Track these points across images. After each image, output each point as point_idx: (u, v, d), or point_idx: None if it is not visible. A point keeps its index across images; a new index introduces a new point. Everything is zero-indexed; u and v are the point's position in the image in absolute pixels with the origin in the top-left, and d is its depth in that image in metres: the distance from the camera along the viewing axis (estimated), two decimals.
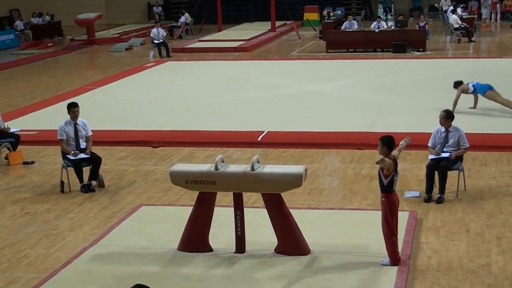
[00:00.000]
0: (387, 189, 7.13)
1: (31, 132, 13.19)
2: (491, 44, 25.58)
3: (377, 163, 7.05)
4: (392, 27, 25.69)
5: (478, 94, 13.77)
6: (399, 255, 7.16)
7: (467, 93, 13.77)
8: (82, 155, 10.12)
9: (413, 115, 13.81)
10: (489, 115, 13.62)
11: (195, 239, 7.59)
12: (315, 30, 28.98)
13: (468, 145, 9.39)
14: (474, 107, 14.00)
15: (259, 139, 12.41)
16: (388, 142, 7.21)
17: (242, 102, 15.84)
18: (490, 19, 31.74)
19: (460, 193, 9.35)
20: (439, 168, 9.18)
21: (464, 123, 10.78)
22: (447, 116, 9.37)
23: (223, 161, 7.53)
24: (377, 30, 24.13)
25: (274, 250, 7.52)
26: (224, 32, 29.98)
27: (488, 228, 8.24)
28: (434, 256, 7.52)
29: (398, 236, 7.23)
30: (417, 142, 11.38)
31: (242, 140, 12.44)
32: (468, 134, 9.66)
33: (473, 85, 13.77)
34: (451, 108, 12.49)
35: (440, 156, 9.27)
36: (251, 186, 7.48)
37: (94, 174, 10.19)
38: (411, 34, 23.74)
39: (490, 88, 13.74)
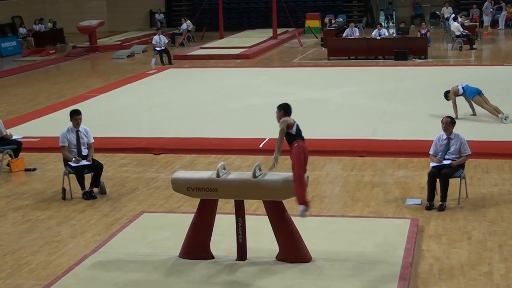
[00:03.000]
0: (296, 136, 7.40)
1: (33, 139, 13.21)
2: (493, 51, 25.58)
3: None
4: (394, 35, 25.72)
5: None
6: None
7: (458, 95, 13.81)
8: (84, 162, 10.13)
9: (415, 123, 13.81)
10: (491, 122, 13.61)
11: (197, 246, 7.59)
12: (317, 38, 29.01)
13: (470, 152, 9.38)
14: (474, 113, 14.01)
15: (260, 146, 12.42)
16: (285, 107, 7.62)
17: (244, 109, 15.86)
18: (492, 26, 31.74)
19: (462, 200, 9.34)
20: (440, 176, 9.17)
21: (466, 131, 10.78)
22: (452, 122, 9.38)
23: (224, 168, 7.54)
24: (378, 38, 24.16)
25: (276, 258, 7.51)
26: (226, 39, 30.02)
27: (490, 235, 8.23)
28: (436, 263, 7.51)
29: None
30: (419, 149, 11.42)
31: (243, 147, 12.45)
32: (470, 141, 9.65)
33: (462, 87, 13.83)
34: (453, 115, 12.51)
35: (441, 163, 9.27)
36: (252, 194, 7.48)
37: (96, 181, 10.20)
38: (413, 42, 23.76)
39: (479, 93, 13.79)
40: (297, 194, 7.24)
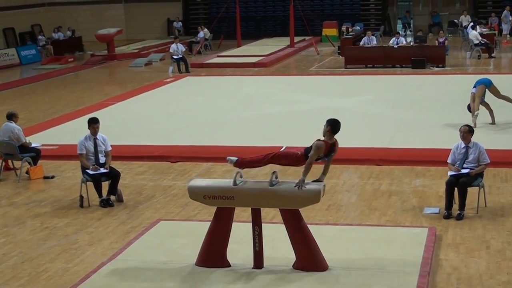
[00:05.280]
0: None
1: (51, 147, 13.29)
2: None
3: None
4: (411, 43, 25.63)
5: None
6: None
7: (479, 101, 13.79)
8: (102, 170, 10.18)
9: (432, 131, 13.74)
10: (510, 131, 13.51)
11: (213, 254, 7.59)
12: (334, 46, 29.00)
13: (488, 161, 9.32)
14: (493, 122, 13.93)
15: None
16: (334, 124, 7.62)
17: (261, 117, 15.86)
18: (511, 35, 31.52)
19: (481, 209, 9.27)
20: (459, 185, 9.11)
21: (484, 139, 10.70)
22: (470, 130, 9.32)
23: (241, 177, 7.54)
24: (396, 46, 24.09)
25: (292, 266, 7.49)
26: (243, 48, 30.07)
27: (509, 245, 8.16)
28: (454, 273, 7.45)
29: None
30: (437, 158, 11.36)
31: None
32: (489, 150, 9.59)
33: (474, 87, 13.78)
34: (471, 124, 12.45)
35: (460, 172, 9.21)
36: (269, 202, 7.48)
37: (113, 189, 10.24)
38: (430, 50, 23.67)
39: (485, 84, 13.84)
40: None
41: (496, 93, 14.10)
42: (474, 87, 13.90)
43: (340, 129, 7.60)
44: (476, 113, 13.58)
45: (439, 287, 7.13)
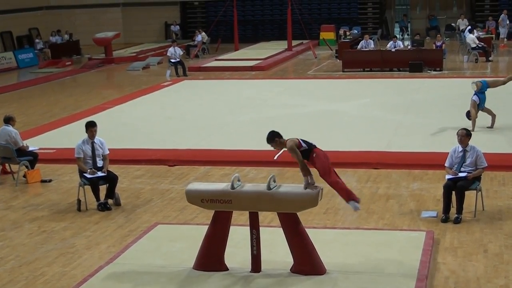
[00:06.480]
0: (310, 148, 7.57)
1: (49, 151, 13.28)
2: (509, 63, 25.44)
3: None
4: (409, 47, 25.66)
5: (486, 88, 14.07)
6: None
7: (479, 108, 13.76)
8: (99, 174, 10.17)
9: (430, 135, 13.76)
10: (507, 134, 13.53)
11: (211, 258, 7.59)
12: (332, 50, 29.03)
13: (486, 165, 9.32)
14: (492, 126, 13.95)
15: (275, 158, 12.40)
16: (276, 135, 7.86)
17: (258, 121, 15.86)
18: (508, 38, 31.56)
19: (478, 213, 9.28)
20: (456, 188, 9.12)
21: (482, 143, 10.72)
22: (467, 134, 9.33)
23: (239, 180, 7.54)
24: (393, 50, 24.12)
25: (290, 270, 7.49)
26: (241, 51, 30.10)
27: (507, 248, 8.16)
28: (452, 276, 7.45)
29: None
30: (434, 162, 11.36)
31: (258, 159, 12.44)
32: (486, 153, 9.59)
33: (478, 97, 13.77)
34: (471, 128, 12.46)
35: (457, 176, 9.22)
36: (267, 205, 7.48)
37: (111, 193, 10.23)
38: (428, 54, 23.69)
39: (482, 82, 13.95)
40: (343, 196, 7.56)
41: (497, 83, 14.16)
42: (474, 94, 13.88)
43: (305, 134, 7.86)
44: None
45: None
